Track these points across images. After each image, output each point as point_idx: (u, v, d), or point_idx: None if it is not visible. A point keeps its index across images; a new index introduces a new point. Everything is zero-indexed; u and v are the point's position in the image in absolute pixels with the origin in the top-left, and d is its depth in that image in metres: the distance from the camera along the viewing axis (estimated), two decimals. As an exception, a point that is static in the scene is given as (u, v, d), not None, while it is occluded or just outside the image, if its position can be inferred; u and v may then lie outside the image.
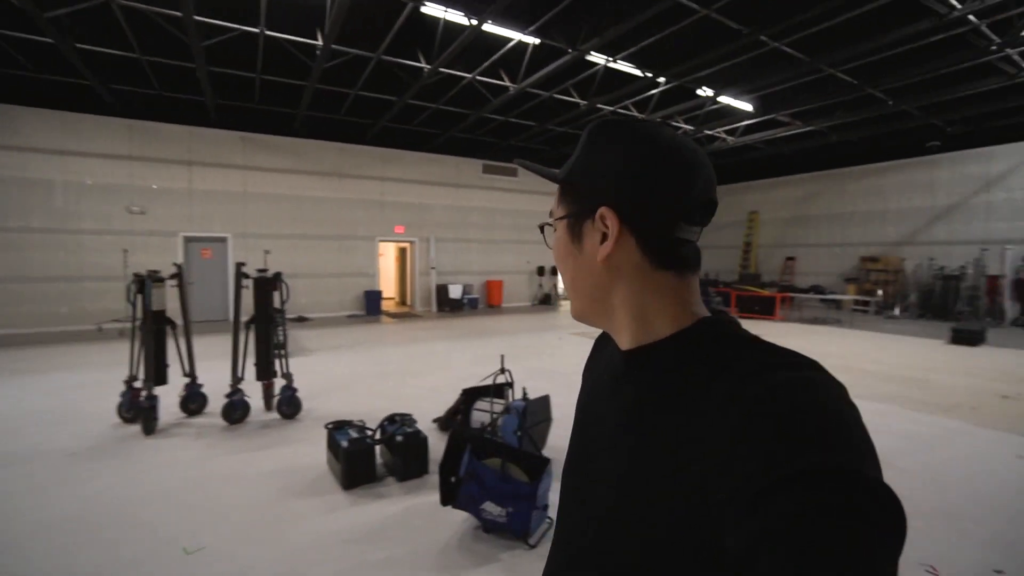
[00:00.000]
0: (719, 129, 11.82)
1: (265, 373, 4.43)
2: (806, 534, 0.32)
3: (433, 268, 13.43)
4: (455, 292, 13.29)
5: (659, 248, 0.53)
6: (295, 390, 4.39)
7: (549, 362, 7.06)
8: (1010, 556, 2.43)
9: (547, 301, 15.51)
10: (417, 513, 2.81)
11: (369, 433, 3.27)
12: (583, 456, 0.60)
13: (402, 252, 15.30)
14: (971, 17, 6.31)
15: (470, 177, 14.26)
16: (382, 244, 13.02)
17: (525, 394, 3.47)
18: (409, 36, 7.28)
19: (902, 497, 0.34)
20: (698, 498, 0.41)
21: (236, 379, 4.23)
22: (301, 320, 10.89)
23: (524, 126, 11.41)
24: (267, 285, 4.40)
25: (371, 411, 4.29)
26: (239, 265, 4.32)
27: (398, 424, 3.36)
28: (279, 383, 4.44)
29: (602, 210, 0.52)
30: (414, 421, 3.40)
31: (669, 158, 0.53)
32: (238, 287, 4.34)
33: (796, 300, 12.84)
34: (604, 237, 0.53)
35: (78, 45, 7.04)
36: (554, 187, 0.61)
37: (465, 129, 11.54)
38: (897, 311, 12.31)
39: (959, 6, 5.96)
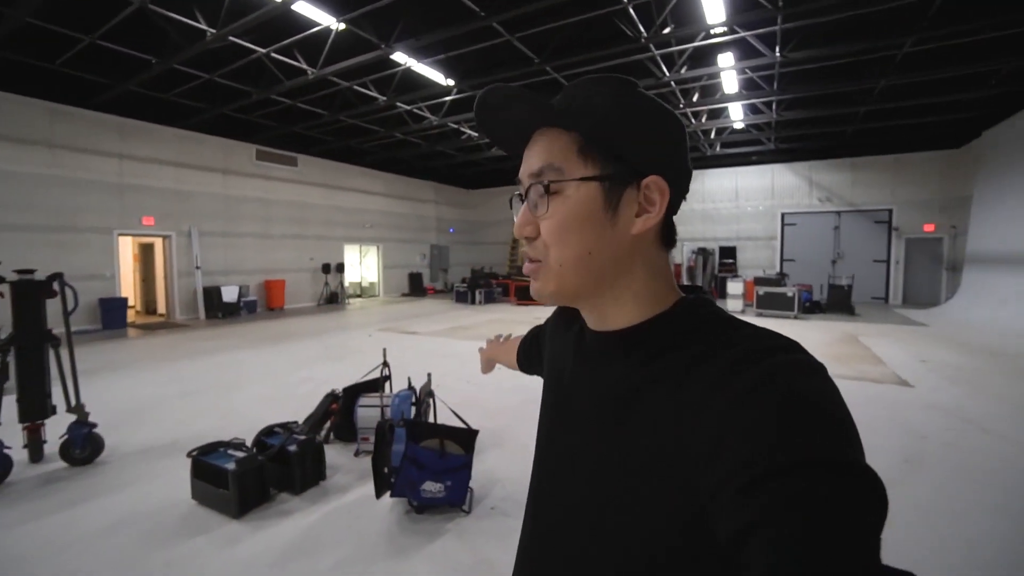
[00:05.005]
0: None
1: (36, 412, 3.31)
2: (806, 520, 0.32)
3: (198, 268, 11.25)
4: (230, 295, 11.44)
5: (670, 225, 0.53)
6: (93, 426, 3.41)
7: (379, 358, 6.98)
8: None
9: (334, 300, 14.73)
10: (338, 516, 2.72)
11: (248, 451, 2.91)
12: (555, 443, 0.58)
13: (144, 249, 12.29)
14: (652, 47, 7.48)
15: (242, 163, 12.40)
16: (122, 238, 10.24)
17: (410, 383, 3.59)
18: (189, -10, 6.10)
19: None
20: (685, 481, 0.40)
21: (-8, 424, 3.06)
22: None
23: (313, 113, 10.62)
24: (37, 292, 3.28)
25: (201, 434, 3.65)
26: (-12, 266, 3.10)
27: (282, 435, 3.08)
28: (52, 423, 3.38)
29: (655, 179, 0.49)
30: (303, 428, 3.17)
31: (683, 129, 0.52)
32: (-14, 297, 3.12)
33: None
34: (639, 208, 0.49)
35: None
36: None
37: (240, 109, 10.06)
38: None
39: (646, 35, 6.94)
